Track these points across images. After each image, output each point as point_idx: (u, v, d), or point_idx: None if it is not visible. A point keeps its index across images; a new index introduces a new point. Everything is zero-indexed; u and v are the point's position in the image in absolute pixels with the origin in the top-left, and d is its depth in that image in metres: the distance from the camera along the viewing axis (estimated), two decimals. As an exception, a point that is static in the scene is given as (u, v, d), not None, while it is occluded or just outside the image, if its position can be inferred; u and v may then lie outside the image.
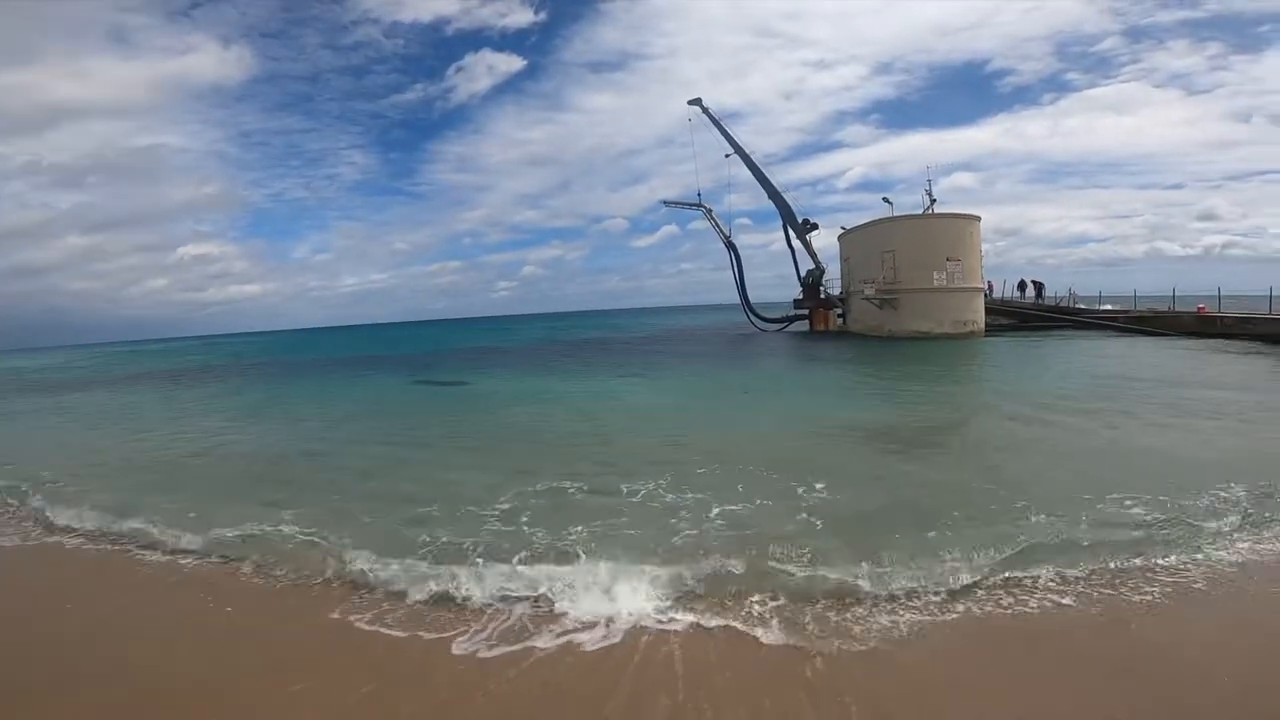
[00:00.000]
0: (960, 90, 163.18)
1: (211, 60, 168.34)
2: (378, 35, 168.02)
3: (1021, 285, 41.73)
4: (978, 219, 35.35)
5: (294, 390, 27.98)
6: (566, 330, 79.26)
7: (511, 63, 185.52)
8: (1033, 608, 5.34)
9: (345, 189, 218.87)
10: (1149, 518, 7.06)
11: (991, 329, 35.48)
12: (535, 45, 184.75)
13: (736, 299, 50.89)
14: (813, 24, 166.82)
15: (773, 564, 6.23)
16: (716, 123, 48.15)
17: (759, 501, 8.25)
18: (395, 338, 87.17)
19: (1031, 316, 38.08)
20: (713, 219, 50.03)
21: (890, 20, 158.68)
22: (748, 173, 47.21)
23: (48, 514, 9.58)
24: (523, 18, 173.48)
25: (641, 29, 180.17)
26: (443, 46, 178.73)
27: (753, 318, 49.84)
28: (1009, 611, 5.31)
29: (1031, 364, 23.22)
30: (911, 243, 34.87)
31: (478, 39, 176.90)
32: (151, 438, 16.13)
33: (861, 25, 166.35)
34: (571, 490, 9.22)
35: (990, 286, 38.73)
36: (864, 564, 6.02)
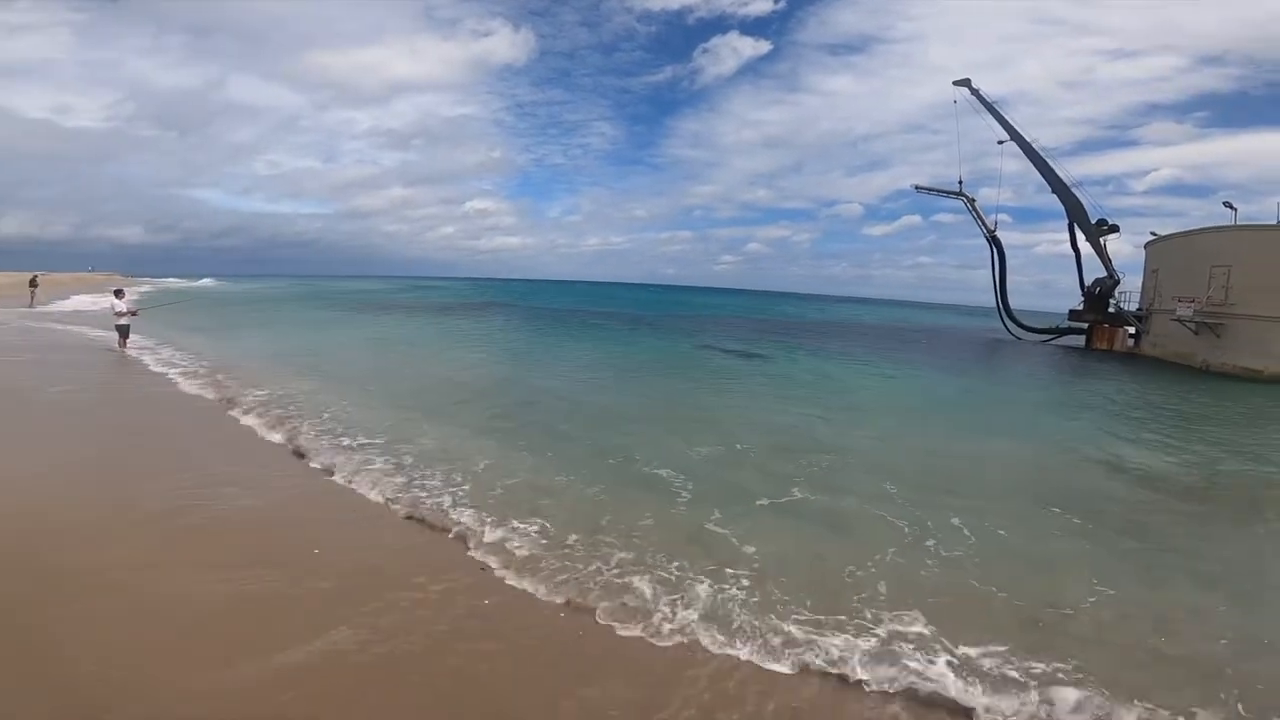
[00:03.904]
0: None
1: (505, 42, 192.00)
2: (630, 20, 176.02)
3: None
4: (1369, 236, 26.74)
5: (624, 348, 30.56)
6: (795, 311, 77.55)
7: (759, 47, 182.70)
8: None
9: (595, 157, 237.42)
10: None
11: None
12: (773, 27, 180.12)
13: (980, 301, 46.12)
14: (1107, 11, 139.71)
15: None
16: (989, 106, 42.51)
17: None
18: (644, 299, 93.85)
19: None
20: (975, 210, 44.63)
21: (1221, 11, 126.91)
22: (1014, 165, 41.49)
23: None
24: (763, 5, 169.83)
25: (883, 11, 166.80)
26: (686, 29, 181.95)
27: (1010, 324, 43.85)
28: None
29: None
30: (1258, 259, 27.48)
31: (721, 24, 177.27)
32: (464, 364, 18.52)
33: (1176, 15, 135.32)
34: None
35: None
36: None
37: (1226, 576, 6.35)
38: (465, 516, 6.57)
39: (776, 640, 4.55)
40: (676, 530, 6.60)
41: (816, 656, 4.37)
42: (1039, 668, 4.35)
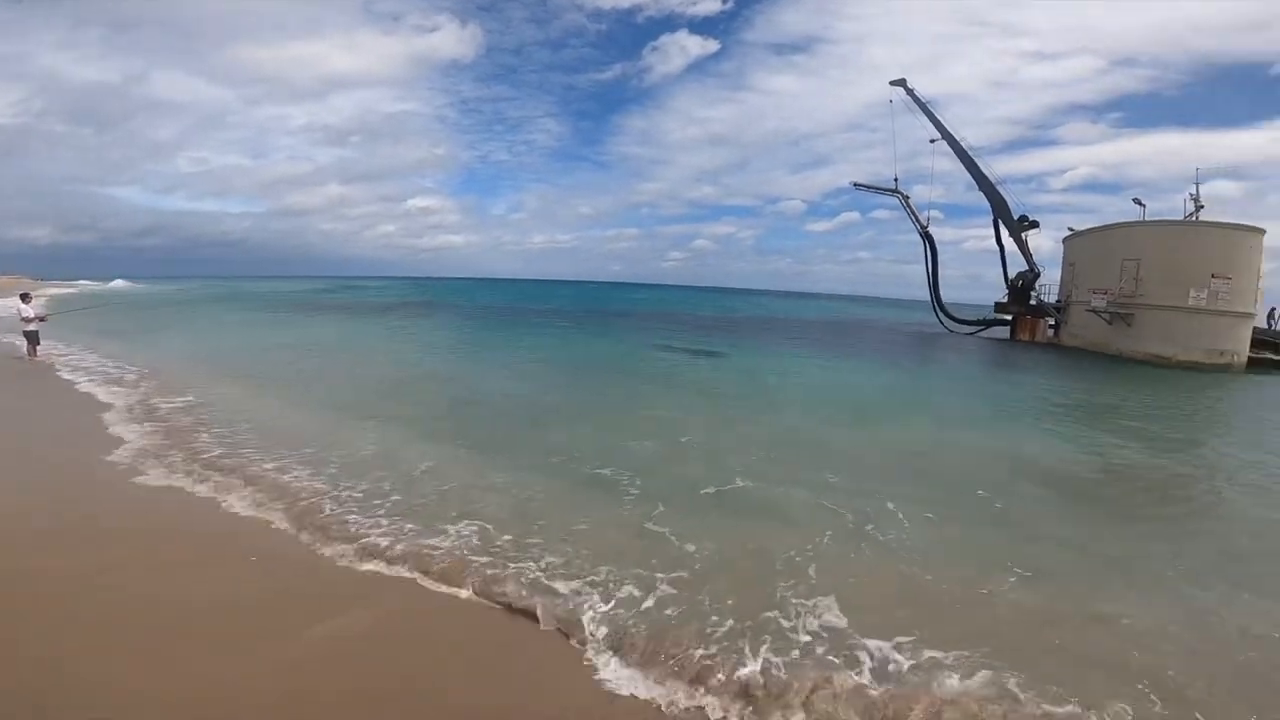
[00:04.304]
0: (1227, 92, 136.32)
1: (452, 38, 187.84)
2: (580, 17, 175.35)
3: None
4: (1261, 232, 28.86)
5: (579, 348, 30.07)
6: (739, 307, 78.70)
7: (707, 46, 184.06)
8: None
9: (541, 154, 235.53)
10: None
11: (1255, 364, 29.35)
12: (721, 27, 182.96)
13: (915, 295, 47.54)
14: (1031, 13, 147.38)
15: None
16: (923, 105, 43.93)
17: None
18: (590, 296, 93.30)
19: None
20: (909, 206, 46.12)
21: (1133, 16, 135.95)
22: (946, 163, 43.16)
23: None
24: (712, 5, 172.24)
25: (825, 12, 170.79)
26: (636, 27, 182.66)
27: (942, 316, 45.64)
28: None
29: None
30: (1165, 253, 29.47)
31: (670, 23, 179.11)
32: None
33: (1095, 17, 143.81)
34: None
35: (1274, 315, 32.87)
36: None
37: (1134, 561, 6.73)
38: (398, 525, 6.45)
39: (685, 656, 4.48)
40: (617, 528, 6.67)
41: (728, 673, 4.30)
42: (952, 657, 4.57)
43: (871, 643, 4.67)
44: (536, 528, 6.55)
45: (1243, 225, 29.19)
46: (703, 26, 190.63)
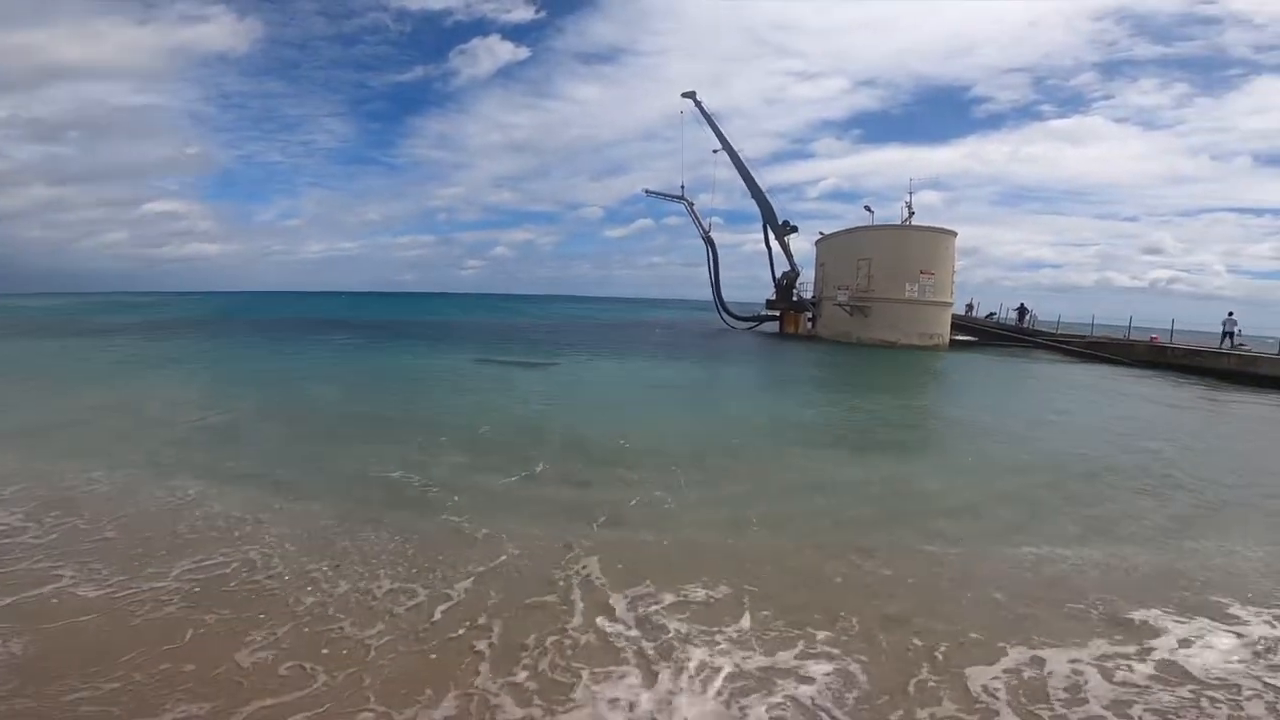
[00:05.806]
0: (936, 112, 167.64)
1: (224, 30, 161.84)
2: (384, 17, 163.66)
3: (1021, 311, 41.05)
4: (953, 234, 36.12)
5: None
6: (538, 312, 78.95)
7: (518, 53, 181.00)
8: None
9: (321, 156, 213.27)
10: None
11: (954, 344, 36.38)
12: (532, 35, 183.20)
13: (704, 296, 51.28)
14: (800, 36, 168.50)
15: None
16: (709, 117, 47.61)
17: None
18: (377, 307, 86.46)
19: (992, 335, 39.24)
20: (693, 213, 49.82)
21: (876, 40, 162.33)
22: (727, 173, 47.09)
23: None
24: (525, 14, 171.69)
25: (633, 25, 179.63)
26: (443, 29, 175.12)
27: (724, 315, 49.99)
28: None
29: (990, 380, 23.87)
30: (887, 253, 35.45)
31: (481, 27, 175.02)
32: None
33: (847, 42, 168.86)
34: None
35: (971, 305, 41.91)
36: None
37: (874, 501, 8.18)
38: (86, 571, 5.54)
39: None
40: (411, 537, 6.52)
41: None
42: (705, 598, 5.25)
43: (627, 604, 5.15)
44: (343, 546, 6.15)
45: (940, 228, 36.17)
46: (514, 33, 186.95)
